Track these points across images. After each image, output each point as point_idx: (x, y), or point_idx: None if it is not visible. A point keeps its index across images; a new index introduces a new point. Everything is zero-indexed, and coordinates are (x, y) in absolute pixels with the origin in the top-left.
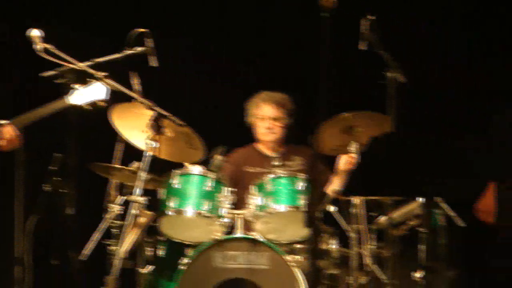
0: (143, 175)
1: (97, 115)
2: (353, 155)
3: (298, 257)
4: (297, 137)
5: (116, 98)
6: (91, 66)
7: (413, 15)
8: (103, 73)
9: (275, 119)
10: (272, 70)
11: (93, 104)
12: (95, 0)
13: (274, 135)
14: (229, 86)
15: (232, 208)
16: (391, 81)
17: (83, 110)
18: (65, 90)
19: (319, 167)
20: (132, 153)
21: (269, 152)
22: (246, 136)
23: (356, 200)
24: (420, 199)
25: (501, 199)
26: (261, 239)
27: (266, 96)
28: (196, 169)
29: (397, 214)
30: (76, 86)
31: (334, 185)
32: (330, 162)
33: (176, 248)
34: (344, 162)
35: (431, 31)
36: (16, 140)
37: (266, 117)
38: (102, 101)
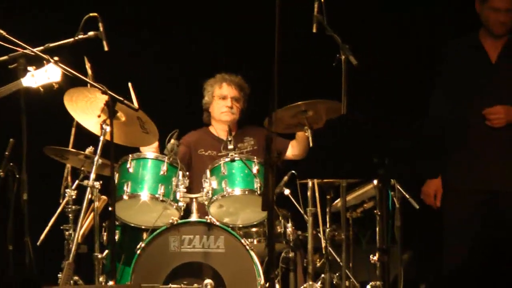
0: (97, 159)
1: (51, 99)
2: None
3: (254, 241)
4: (250, 121)
5: (69, 82)
6: (43, 51)
7: None
8: (56, 58)
9: (236, 99)
10: (225, 53)
11: (47, 86)
12: None
13: (233, 116)
14: (182, 69)
15: (187, 192)
16: (343, 63)
17: (36, 93)
18: (19, 74)
19: (276, 142)
20: (87, 138)
21: (222, 135)
22: (198, 120)
23: (311, 182)
24: (375, 181)
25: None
26: (217, 223)
27: (229, 77)
28: (150, 154)
29: (353, 196)
30: (30, 68)
31: (294, 150)
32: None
33: (132, 233)
34: (302, 136)
35: (383, 10)
36: None
37: (227, 96)
38: (56, 83)
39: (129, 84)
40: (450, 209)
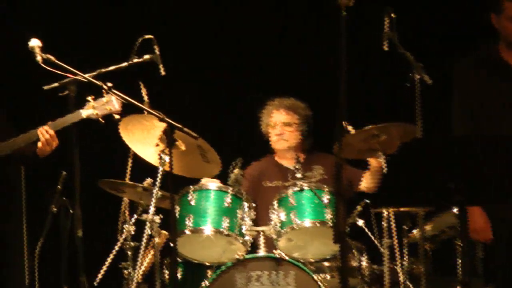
0: (156, 192)
1: (105, 128)
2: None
3: (326, 276)
4: (318, 146)
5: (124, 110)
6: (96, 77)
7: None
8: (109, 84)
9: (285, 124)
10: (290, 76)
11: (107, 116)
12: (97, 8)
13: (286, 142)
14: (245, 95)
15: (253, 225)
16: (417, 83)
17: (96, 123)
18: (72, 102)
19: (347, 171)
20: (145, 169)
21: (287, 163)
22: (265, 148)
23: (386, 212)
24: (455, 209)
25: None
26: (286, 258)
27: (277, 102)
28: (213, 184)
29: (431, 226)
30: (89, 98)
31: (368, 183)
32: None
33: (195, 270)
34: (375, 163)
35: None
36: (53, 143)
37: (276, 123)
38: (116, 113)
39: (140, 84)
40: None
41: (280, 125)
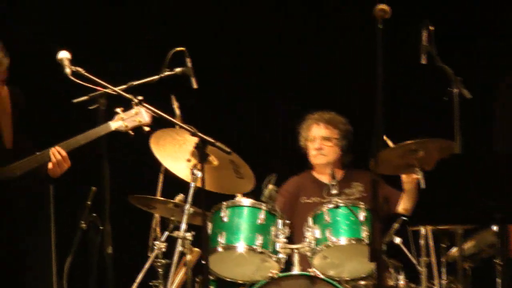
0: (188, 208)
1: (136, 143)
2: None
3: None
4: (356, 162)
5: (155, 124)
6: (126, 90)
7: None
8: (140, 97)
9: (325, 138)
10: (329, 90)
11: (137, 129)
12: (128, 22)
13: (325, 158)
14: (280, 109)
15: (287, 242)
16: (455, 98)
17: (126, 137)
18: (101, 115)
19: (384, 190)
20: (176, 185)
21: (326, 179)
22: (301, 163)
23: (424, 230)
24: (494, 227)
25: None
26: (321, 276)
27: (317, 116)
28: (247, 201)
29: (470, 244)
30: (118, 110)
31: (405, 204)
32: (393, 182)
33: None
34: (407, 179)
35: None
36: (64, 165)
37: (315, 137)
38: (146, 125)
39: (172, 97)
40: None
41: (319, 140)
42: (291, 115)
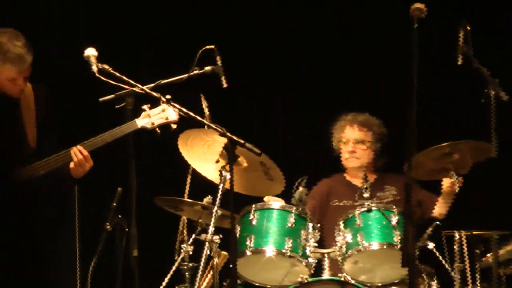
0: (216, 210)
1: (163, 143)
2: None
3: None
4: (390, 165)
5: (184, 124)
6: (154, 89)
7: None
8: (168, 96)
9: (358, 141)
10: (360, 90)
11: (165, 127)
12: (157, 18)
13: (358, 161)
14: (312, 109)
15: (317, 247)
16: (492, 100)
17: (154, 136)
18: (128, 115)
19: (418, 193)
20: (204, 186)
21: (358, 182)
22: (333, 165)
23: (458, 235)
24: None
25: None
26: (352, 281)
27: (351, 117)
28: (276, 203)
29: (505, 250)
30: (144, 107)
31: (441, 208)
32: (430, 187)
33: None
34: (448, 183)
35: None
36: (86, 165)
37: (349, 139)
38: (173, 123)
39: (201, 96)
40: None
41: (353, 142)
42: (324, 116)
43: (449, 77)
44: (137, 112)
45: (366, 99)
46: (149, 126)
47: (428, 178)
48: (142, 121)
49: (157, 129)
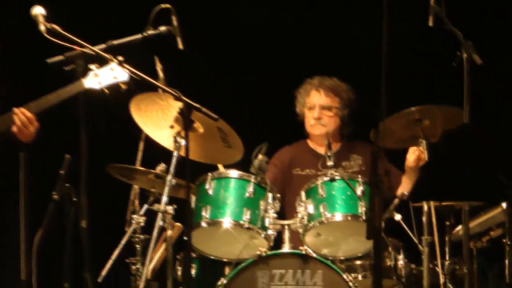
0: (170, 179)
1: (114, 108)
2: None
3: (358, 276)
4: (357, 133)
5: (137, 87)
6: (106, 50)
7: None
8: (120, 58)
9: (325, 107)
10: (327, 53)
11: (114, 87)
12: None
13: (323, 128)
14: (275, 71)
15: (278, 218)
16: (465, 63)
17: (101, 96)
18: (78, 76)
19: (386, 164)
20: (158, 154)
21: (322, 150)
22: (296, 132)
23: (427, 206)
24: (504, 204)
25: None
26: (313, 255)
27: (317, 81)
28: (234, 172)
29: (477, 222)
30: (92, 66)
31: (404, 187)
32: (394, 157)
33: (212, 267)
34: (413, 156)
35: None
36: (30, 126)
37: (314, 105)
38: (124, 83)
39: (156, 58)
40: None
41: (319, 108)
42: (287, 79)
43: (420, 40)
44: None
45: (334, 63)
46: (96, 86)
47: (397, 146)
48: (89, 82)
49: (105, 89)
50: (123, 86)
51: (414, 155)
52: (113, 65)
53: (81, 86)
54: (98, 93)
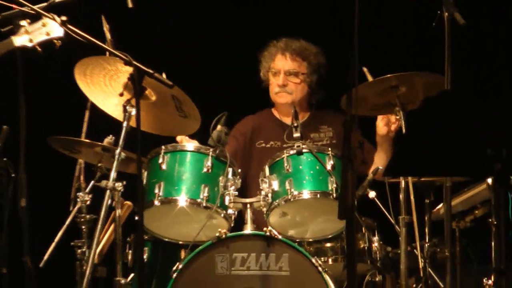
0: (119, 153)
1: (56, 73)
2: (395, 117)
3: (328, 260)
4: (327, 102)
5: (82, 50)
6: (47, 9)
7: None
8: (63, 18)
9: (290, 73)
10: (294, 13)
11: (47, 44)
12: None
13: (289, 96)
14: (235, 32)
15: (239, 196)
16: (446, 23)
17: (34, 54)
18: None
19: (359, 137)
20: (105, 124)
21: (288, 121)
22: (260, 99)
23: (404, 182)
24: (490, 180)
25: None
26: (278, 236)
27: (283, 44)
28: (190, 145)
29: (460, 200)
30: (23, 23)
31: (378, 161)
32: (367, 130)
33: (166, 250)
34: (382, 123)
35: None
36: None
37: (279, 70)
38: (58, 39)
39: (102, 18)
40: None
41: (284, 74)
42: (248, 40)
43: None
44: None
45: (302, 23)
46: (28, 44)
47: (371, 114)
48: (19, 39)
49: (37, 47)
50: (57, 43)
51: (382, 122)
52: (46, 20)
53: (11, 44)
54: (31, 51)
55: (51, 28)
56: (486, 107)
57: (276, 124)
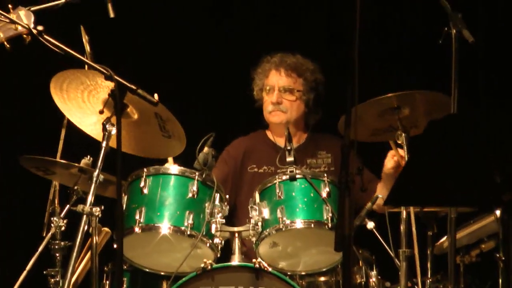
0: (97, 175)
1: (31, 87)
2: (401, 150)
3: None
4: (326, 124)
5: (58, 63)
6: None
7: None
8: (40, 27)
9: (285, 90)
10: (292, 28)
11: (15, 37)
12: None
13: (283, 115)
14: (227, 47)
15: (227, 224)
16: (453, 41)
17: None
18: None
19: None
20: (83, 144)
21: (283, 143)
22: (253, 119)
23: (405, 212)
24: (498, 212)
25: None
26: (268, 269)
27: (278, 59)
28: (174, 168)
29: (465, 233)
30: None
31: (379, 192)
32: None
33: (146, 281)
34: (391, 162)
35: None
36: None
37: (273, 87)
38: (26, 34)
39: (82, 28)
40: None
41: (278, 91)
42: (243, 57)
43: (403, 13)
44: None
45: (299, 39)
46: None
47: (370, 139)
48: None
49: (5, 43)
50: (27, 38)
51: (392, 160)
52: (14, 12)
53: None
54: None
55: (20, 20)
56: (496, 132)
57: (270, 147)
